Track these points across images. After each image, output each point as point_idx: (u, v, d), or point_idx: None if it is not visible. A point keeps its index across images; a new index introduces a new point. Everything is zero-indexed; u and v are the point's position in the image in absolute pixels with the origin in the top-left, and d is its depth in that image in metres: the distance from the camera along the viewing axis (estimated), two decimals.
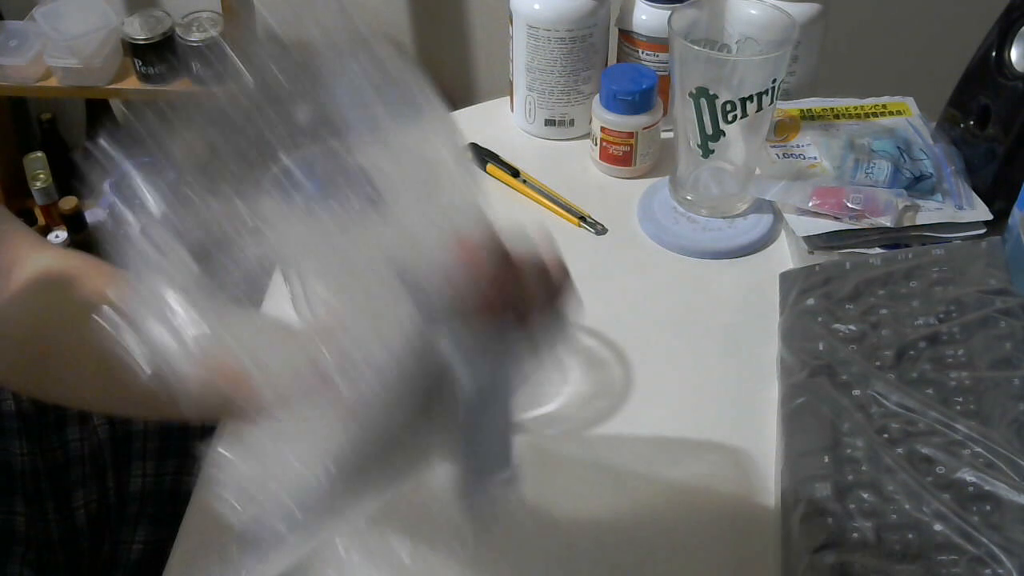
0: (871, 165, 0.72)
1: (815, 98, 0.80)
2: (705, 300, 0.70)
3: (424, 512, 0.48)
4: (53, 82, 1.58)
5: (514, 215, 0.79)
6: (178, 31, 1.55)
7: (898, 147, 0.73)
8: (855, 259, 0.64)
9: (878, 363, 0.56)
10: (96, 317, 0.40)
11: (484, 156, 0.81)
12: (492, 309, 0.40)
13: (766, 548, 0.53)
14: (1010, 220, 0.65)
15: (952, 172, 0.72)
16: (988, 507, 0.49)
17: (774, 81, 0.67)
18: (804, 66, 0.81)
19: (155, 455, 0.76)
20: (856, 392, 0.55)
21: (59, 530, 0.72)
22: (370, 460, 0.41)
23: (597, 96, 0.78)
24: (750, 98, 0.68)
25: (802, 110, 0.79)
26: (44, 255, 0.57)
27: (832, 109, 0.79)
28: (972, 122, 0.73)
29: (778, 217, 0.74)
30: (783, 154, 0.76)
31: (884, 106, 0.79)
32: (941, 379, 0.55)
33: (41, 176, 1.62)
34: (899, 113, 0.79)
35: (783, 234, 0.74)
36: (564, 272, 0.45)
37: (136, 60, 1.57)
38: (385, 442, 0.41)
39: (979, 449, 0.51)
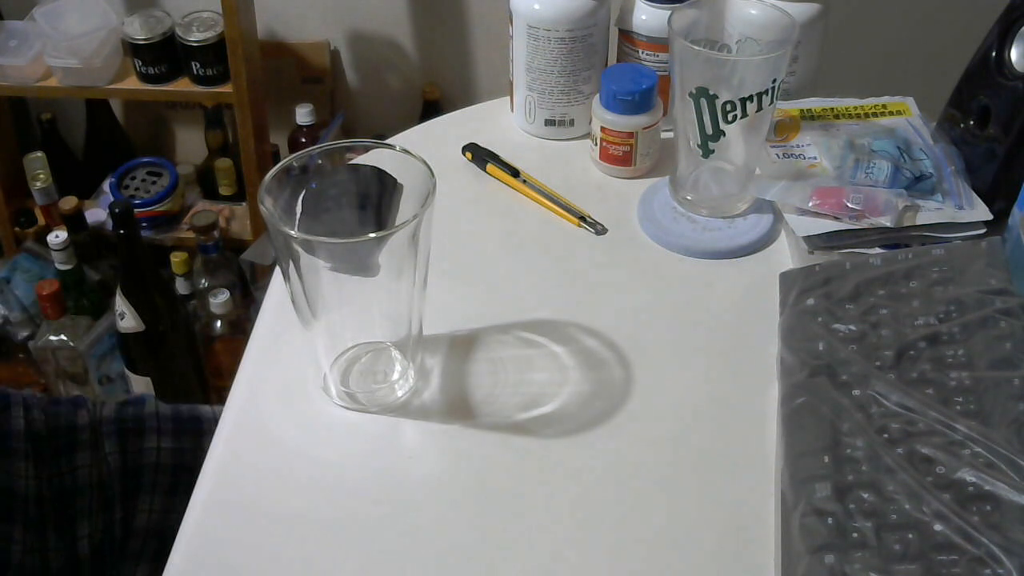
0: (871, 165, 0.72)
1: (815, 98, 0.80)
2: (705, 300, 0.70)
3: None
4: (53, 82, 1.58)
5: (514, 215, 0.80)
6: (178, 31, 1.55)
7: (898, 147, 0.73)
8: (855, 259, 0.64)
9: (878, 363, 0.56)
10: None
11: (484, 156, 0.81)
12: None
13: (766, 548, 0.53)
14: (1010, 220, 0.65)
15: (952, 172, 0.72)
16: (988, 507, 0.49)
17: (774, 81, 0.67)
18: (804, 66, 0.81)
19: (165, 491, 0.73)
20: (856, 392, 0.55)
21: (59, 562, 0.69)
22: None
23: (597, 96, 0.78)
24: (750, 98, 0.68)
25: (802, 110, 0.79)
26: None
27: (832, 109, 0.79)
28: (972, 122, 0.73)
29: (778, 217, 0.74)
30: (783, 154, 0.76)
31: (884, 106, 0.79)
32: (941, 379, 0.55)
33: (41, 176, 1.62)
34: (899, 113, 0.79)
35: (783, 234, 0.74)
36: None
37: (136, 60, 1.57)
38: None
39: (979, 449, 0.51)
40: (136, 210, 1.42)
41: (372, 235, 0.53)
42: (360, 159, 0.59)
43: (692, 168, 0.74)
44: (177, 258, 1.55)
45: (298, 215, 0.57)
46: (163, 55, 1.56)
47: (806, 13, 0.78)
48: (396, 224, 0.55)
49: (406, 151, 0.57)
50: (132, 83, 1.60)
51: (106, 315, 1.50)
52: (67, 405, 0.76)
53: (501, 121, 0.87)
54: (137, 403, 0.78)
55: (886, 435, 0.53)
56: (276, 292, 0.70)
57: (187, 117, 1.87)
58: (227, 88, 1.57)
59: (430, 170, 0.55)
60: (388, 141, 0.67)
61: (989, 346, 0.55)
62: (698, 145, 0.71)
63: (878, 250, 0.68)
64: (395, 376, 0.63)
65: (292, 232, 0.52)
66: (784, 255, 0.73)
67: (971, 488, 0.49)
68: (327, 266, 0.55)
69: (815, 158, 0.75)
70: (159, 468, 0.74)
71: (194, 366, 1.51)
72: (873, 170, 0.71)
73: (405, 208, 0.58)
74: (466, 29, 1.75)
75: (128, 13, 1.64)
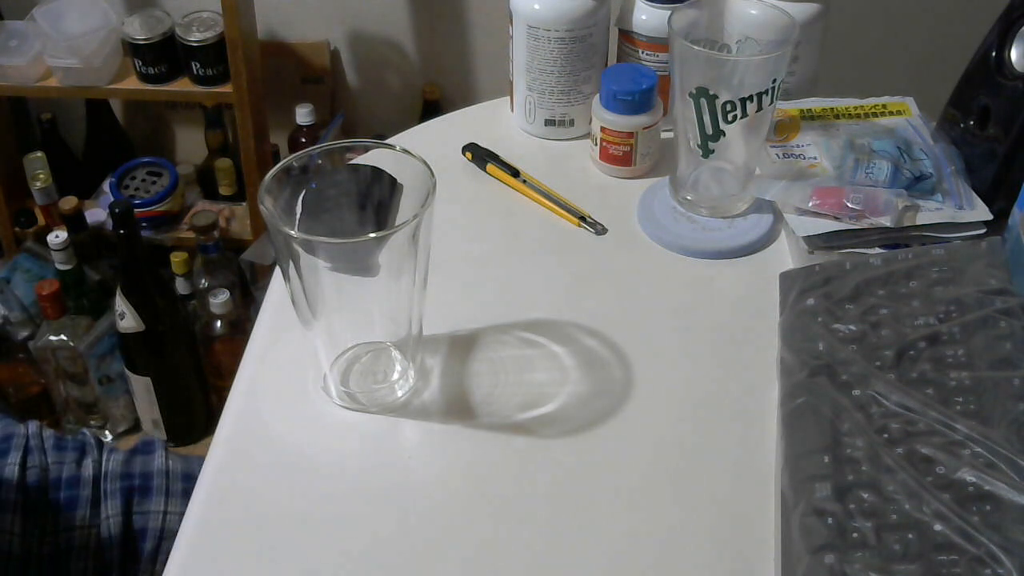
0: (871, 165, 0.72)
1: (815, 98, 0.80)
2: (705, 300, 0.70)
3: None
4: (53, 82, 1.58)
5: (514, 215, 0.80)
6: (178, 31, 1.55)
7: (898, 147, 0.73)
8: (855, 259, 0.64)
9: (878, 363, 0.56)
10: None
11: (484, 156, 0.81)
12: None
13: (766, 548, 0.53)
14: (1010, 220, 0.65)
15: (952, 172, 0.72)
16: (988, 507, 0.49)
17: (774, 81, 0.67)
18: (804, 66, 0.81)
19: (168, 558, 0.69)
20: (856, 392, 0.55)
21: None
22: None
23: (597, 96, 0.78)
24: (750, 98, 0.68)
25: (802, 110, 0.79)
26: None
27: (832, 109, 0.79)
28: (972, 122, 0.73)
29: (778, 217, 0.74)
30: (783, 154, 0.76)
31: (884, 106, 0.79)
32: (941, 379, 0.55)
33: (41, 176, 1.62)
34: (899, 113, 0.79)
35: (783, 234, 0.74)
36: None
37: (136, 60, 1.57)
38: None
39: (979, 449, 0.51)
40: (136, 210, 1.42)
41: (372, 235, 0.53)
42: (360, 159, 0.59)
43: (692, 168, 0.74)
44: (177, 258, 1.55)
45: (298, 215, 0.57)
46: (163, 55, 1.56)
47: (806, 13, 0.78)
48: (396, 224, 0.55)
49: (406, 151, 0.57)
50: (132, 83, 1.60)
51: (106, 315, 1.50)
52: (72, 451, 0.71)
53: (501, 121, 0.87)
54: (147, 451, 0.73)
55: (886, 435, 0.53)
56: (276, 292, 0.70)
57: (187, 117, 1.87)
58: (227, 88, 1.57)
59: (430, 170, 0.55)
60: (388, 141, 0.67)
61: (989, 346, 0.55)
62: (698, 145, 0.71)
63: (878, 250, 0.68)
64: (395, 376, 0.63)
65: (292, 232, 0.52)
66: (784, 255, 0.73)
67: (971, 488, 0.49)
68: (327, 266, 0.55)
69: (815, 158, 0.75)
70: (163, 533, 0.70)
71: (194, 366, 1.51)
72: (873, 170, 0.71)
73: (405, 208, 0.58)
74: (466, 29, 1.75)
75: (128, 13, 1.63)
